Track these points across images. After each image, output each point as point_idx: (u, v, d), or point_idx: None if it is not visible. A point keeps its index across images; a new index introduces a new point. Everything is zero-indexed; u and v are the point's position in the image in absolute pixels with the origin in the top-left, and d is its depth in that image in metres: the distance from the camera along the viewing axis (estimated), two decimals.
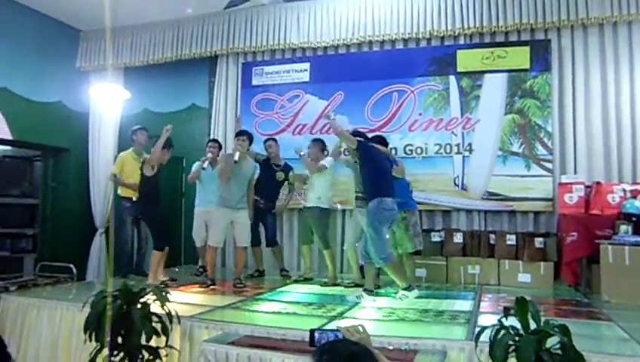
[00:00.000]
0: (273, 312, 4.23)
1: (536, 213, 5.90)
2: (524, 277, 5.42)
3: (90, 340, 3.27)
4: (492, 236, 5.71)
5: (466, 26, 6.06)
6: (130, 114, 7.56)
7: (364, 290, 4.66)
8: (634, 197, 5.05)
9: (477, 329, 3.00)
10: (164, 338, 3.43)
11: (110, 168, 7.54)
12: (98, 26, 7.42)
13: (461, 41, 6.24)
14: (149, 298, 3.48)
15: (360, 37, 6.45)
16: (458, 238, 5.77)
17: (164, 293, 3.51)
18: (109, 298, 3.39)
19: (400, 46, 6.48)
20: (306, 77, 6.71)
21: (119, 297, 3.42)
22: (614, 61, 5.75)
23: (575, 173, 5.69)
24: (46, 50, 7.21)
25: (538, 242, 5.42)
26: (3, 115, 6.60)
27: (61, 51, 7.50)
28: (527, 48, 5.94)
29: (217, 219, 5.42)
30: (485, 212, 6.08)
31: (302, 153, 5.63)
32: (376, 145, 4.88)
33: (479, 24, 6.01)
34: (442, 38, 6.30)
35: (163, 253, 5.34)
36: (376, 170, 4.70)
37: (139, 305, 3.43)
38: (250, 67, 6.99)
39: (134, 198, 6.14)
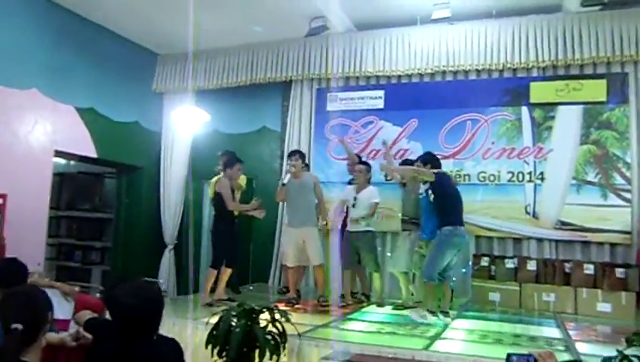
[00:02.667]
0: (373, 332, 4.41)
1: (612, 245, 5.95)
2: (603, 307, 5.49)
3: (220, 356, 3.44)
4: (567, 265, 5.80)
5: (540, 59, 6.22)
6: (201, 134, 7.85)
7: (428, 311, 4.86)
8: None
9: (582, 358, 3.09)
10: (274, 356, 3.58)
11: (181, 186, 7.94)
12: (174, 49, 7.85)
13: (534, 74, 6.40)
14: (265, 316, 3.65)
15: (434, 67, 6.66)
16: (532, 266, 5.88)
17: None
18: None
19: (473, 77, 6.68)
20: (380, 104, 6.94)
21: (242, 315, 3.61)
22: None
23: None
24: (126, 73, 7.58)
25: (619, 272, 5.50)
26: (90, 134, 6.95)
27: (139, 73, 7.88)
28: (603, 81, 6.08)
29: (284, 238, 5.64)
30: (557, 241, 6.16)
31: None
32: (447, 173, 5.12)
33: (554, 57, 6.17)
34: (515, 70, 6.47)
35: (216, 271, 5.41)
36: (452, 198, 4.96)
37: (261, 323, 3.61)
38: (324, 93, 7.26)
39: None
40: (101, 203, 8.77)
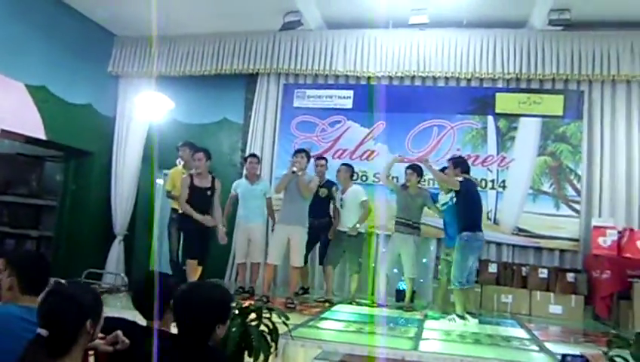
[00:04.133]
0: (356, 331, 4.43)
1: (562, 251, 6.36)
2: (555, 309, 5.85)
3: None
4: (524, 268, 6.12)
5: (506, 71, 6.51)
6: (158, 122, 7.52)
7: (457, 315, 5.02)
8: None
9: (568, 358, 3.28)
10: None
11: (134, 174, 7.57)
12: (134, 32, 7.46)
13: (499, 84, 6.70)
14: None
15: (404, 71, 6.78)
16: (493, 268, 6.16)
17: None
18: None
19: (441, 83, 6.88)
20: (348, 104, 6.97)
21: (237, 314, 3.50)
22: (639, 115, 6.34)
23: (600, 216, 6.20)
24: (81, 52, 7.10)
25: (570, 277, 5.88)
26: (40, 114, 6.46)
27: (94, 54, 7.41)
28: (561, 97, 6.48)
29: (273, 235, 5.57)
30: (514, 246, 6.49)
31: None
32: (472, 179, 5.27)
33: (518, 70, 6.47)
34: (482, 79, 6.74)
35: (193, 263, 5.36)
36: (475, 204, 5.18)
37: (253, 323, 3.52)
38: (292, 89, 7.19)
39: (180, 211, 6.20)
40: (39, 188, 8.16)
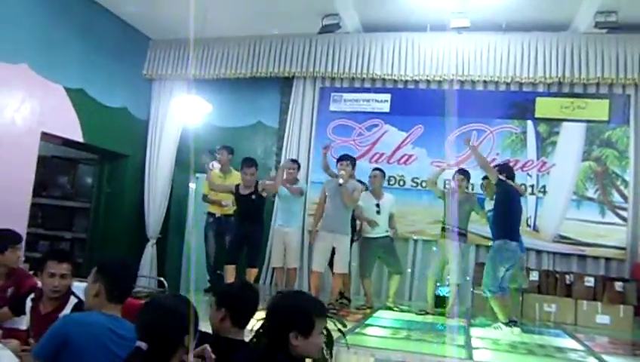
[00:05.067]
0: (404, 339, 4.34)
1: (607, 259, 6.18)
2: (602, 319, 5.67)
3: None
4: (567, 277, 5.96)
5: (547, 75, 6.38)
6: (192, 125, 7.50)
7: (502, 324, 4.91)
8: None
9: None
10: None
11: (167, 178, 7.56)
12: (169, 34, 7.47)
13: (540, 89, 6.57)
14: None
15: (442, 75, 6.68)
16: (534, 276, 6.00)
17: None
18: None
19: (480, 87, 6.76)
20: (386, 107, 6.88)
21: None
22: None
23: None
24: (118, 55, 7.13)
25: (618, 286, 5.70)
26: (78, 117, 6.48)
27: (130, 57, 7.43)
28: (606, 101, 6.32)
29: (317, 242, 5.50)
30: (554, 253, 6.33)
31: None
32: (514, 185, 5.11)
33: (561, 74, 6.34)
34: (521, 84, 6.61)
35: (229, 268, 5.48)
36: (511, 212, 5.00)
37: None
38: (328, 92, 7.12)
39: (217, 214, 6.18)
40: (73, 190, 8.20)
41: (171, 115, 7.50)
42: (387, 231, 5.70)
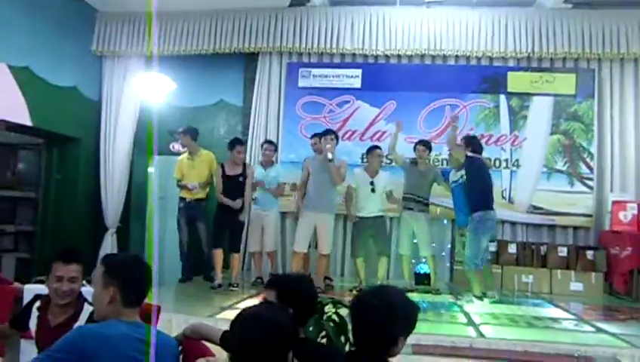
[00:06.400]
0: None
1: (575, 228, 6.40)
2: (576, 286, 5.90)
3: None
4: (542, 248, 6.12)
5: (517, 50, 6.44)
6: (150, 105, 7.00)
7: (474, 296, 4.97)
8: None
9: None
10: None
11: (125, 162, 7.04)
12: (117, 7, 6.89)
13: (510, 63, 6.62)
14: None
15: (413, 49, 6.59)
16: (512, 249, 6.13)
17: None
18: None
19: (451, 62, 6.73)
20: (357, 83, 6.70)
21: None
22: None
23: (611, 191, 6.28)
24: (65, 30, 6.49)
25: (589, 254, 5.93)
26: (24, 98, 5.85)
27: (78, 32, 6.78)
28: (573, 76, 6.46)
29: (300, 222, 5.30)
30: (527, 224, 6.49)
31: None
32: (482, 159, 5.10)
33: (530, 49, 6.42)
34: (492, 58, 6.64)
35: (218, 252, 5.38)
36: (484, 184, 5.06)
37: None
38: (296, 68, 6.84)
39: (187, 199, 5.83)
40: (15, 179, 7.48)
41: (127, 94, 6.98)
42: (380, 211, 5.52)
